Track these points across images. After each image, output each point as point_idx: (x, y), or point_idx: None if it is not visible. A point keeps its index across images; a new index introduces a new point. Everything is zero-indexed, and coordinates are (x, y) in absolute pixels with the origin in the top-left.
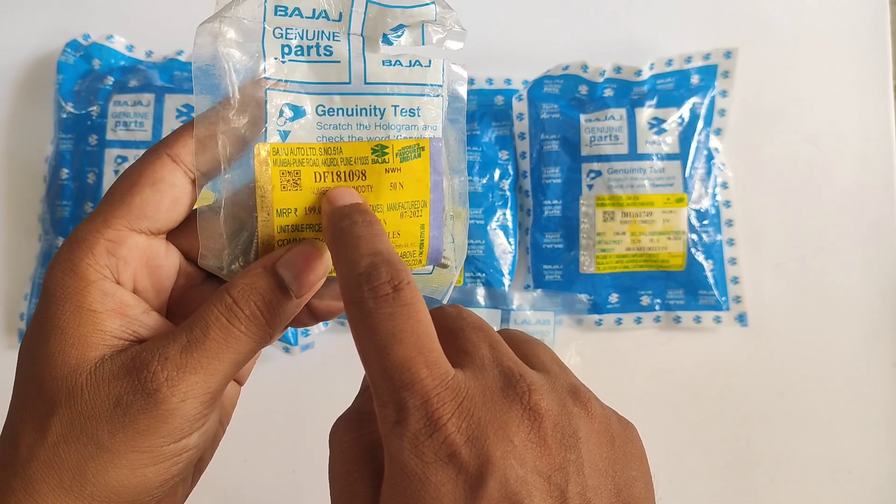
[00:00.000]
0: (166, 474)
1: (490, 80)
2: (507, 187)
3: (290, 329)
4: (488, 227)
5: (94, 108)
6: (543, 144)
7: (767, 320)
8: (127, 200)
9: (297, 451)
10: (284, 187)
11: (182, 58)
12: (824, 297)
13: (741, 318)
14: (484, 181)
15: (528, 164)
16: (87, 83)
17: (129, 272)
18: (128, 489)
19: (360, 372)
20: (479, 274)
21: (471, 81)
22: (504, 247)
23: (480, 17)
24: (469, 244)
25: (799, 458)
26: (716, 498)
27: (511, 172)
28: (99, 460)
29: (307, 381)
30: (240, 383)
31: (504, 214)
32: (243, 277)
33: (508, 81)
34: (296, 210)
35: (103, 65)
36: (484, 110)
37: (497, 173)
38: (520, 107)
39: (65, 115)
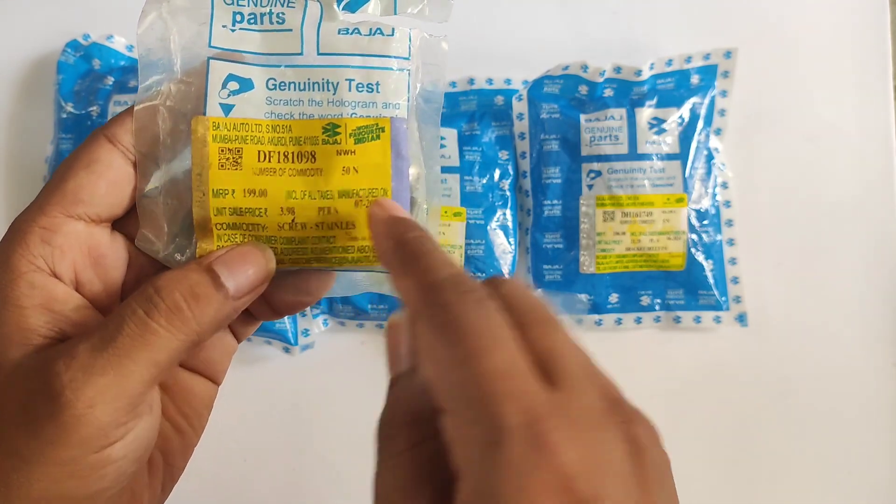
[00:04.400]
0: (90, 488)
1: (490, 80)
2: (507, 187)
3: (289, 329)
4: (488, 227)
5: (94, 108)
6: (543, 144)
7: (767, 320)
8: (61, 185)
9: (297, 451)
10: (223, 165)
11: None
12: (824, 297)
13: (741, 318)
14: (484, 181)
15: (528, 164)
16: (87, 83)
17: (68, 262)
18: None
19: (359, 372)
20: (479, 274)
21: (471, 81)
22: (504, 247)
23: (480, 16)
24: (469, 244)
25: (799, 457)
26: (715, 498)
27: (511, 172)
28: (21, 472)
29: (307, 381)
30: (215, 382)
31: (504, 214)
32: (174, 270)
33: (508, 81)
34: (233, 192)
35: (103, 65)
36: (484, 110)
37: (497, 173)
38: (520, 107)
39: (65, 115)
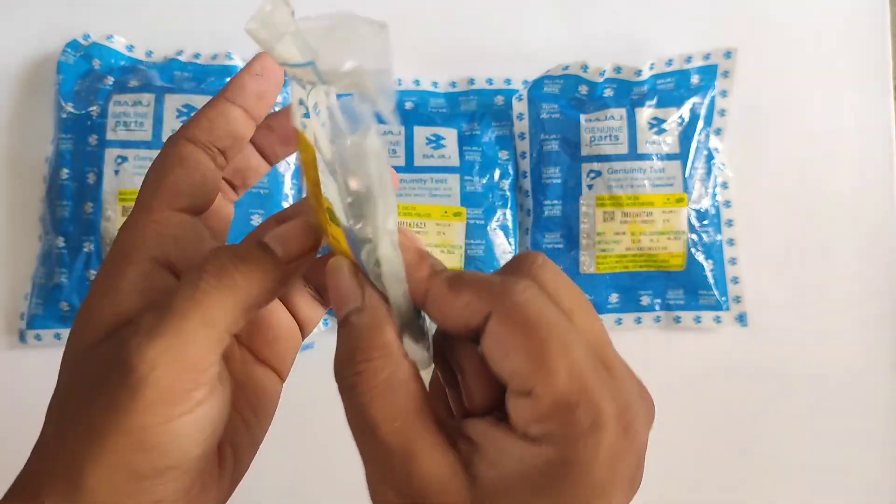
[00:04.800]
0: (155, 463)
1: (490, 80)
2: (507, 187)
3: None
4: (488, 228)
5: (94, 108)
6: (543, 144)
7: (767, 320)
8: (161, 183)
9: (296, 451)
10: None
11: (182, 58)
12: (824, 297)
13: (741, 318)
14: (484, 181)
15: (528, 164)
16: (87, 83)
17: (180, 252)
18: (122, 481)
19: None
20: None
21: (471, 81)
22: (504, 247)
23: (481, 16)
24: (469, 244)
25: (798, 457)
26: (715, 498)
27: (511, 172)
28: (93, 445)
29: (307, 381)
30: (280, 376)
31: (504, 214)
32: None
33: (508, 81)
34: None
35: (103, 65)
36: (484, 110)
37: (497, 173)
38: (520, 107)
39: (65, 115)
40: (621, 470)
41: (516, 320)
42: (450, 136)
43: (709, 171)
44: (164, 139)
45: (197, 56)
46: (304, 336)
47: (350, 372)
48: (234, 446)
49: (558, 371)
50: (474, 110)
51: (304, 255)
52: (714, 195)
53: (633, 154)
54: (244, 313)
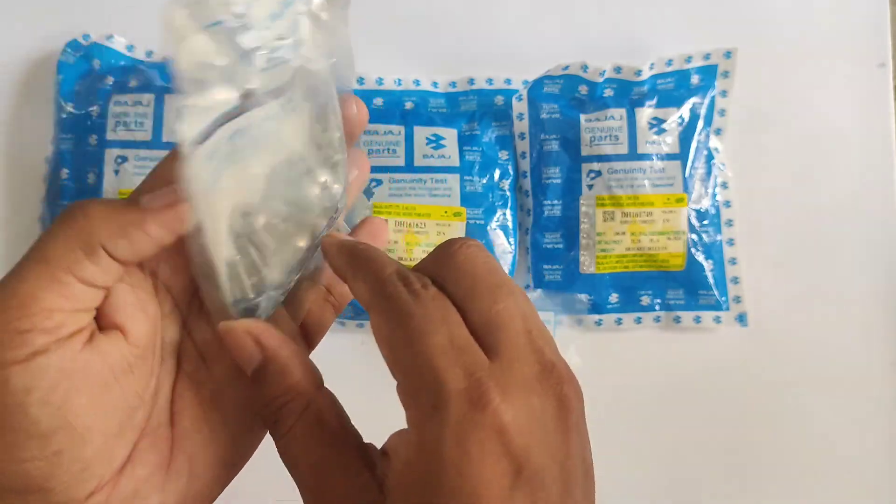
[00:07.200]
0: None
1: (490, 80)
2: (507, 187)
3: None
4: (488, 227)
5: (94, 108)
6: (543, 144)
7: (767, 320)
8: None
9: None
10: None
11: None
12: (824, 297)
13: (741, 318)
14: (484, 181)
15: (528, 164)
16: (87, 83)
17: None
18: None
19: (359, 372)
20: None
21: (471, 81)
22: (504, 247)
23: (480, 16)
24: None
25: (798, 457)
26: (715, 498)
27: (511, 172)
28: None
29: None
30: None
31: (504, 214)
32: None
33: (508, 81)
34: None
35: (103, 65)
36: (484, 110)
37: (497, 173)
38: (520, 107)
39: (65, 115)
40: (474, 448)
41: (382, 311)
42: (450, 136)
43: (709, 171)
44: (164, 139)
45: None
46: (312, 346)
47: (268, 412)
48: (190, 458)
49: (407, 357)
50: (474, 110)
51: (167, 207)
52: (714, 195)
53: (633, 154)
54: (87, 253)
